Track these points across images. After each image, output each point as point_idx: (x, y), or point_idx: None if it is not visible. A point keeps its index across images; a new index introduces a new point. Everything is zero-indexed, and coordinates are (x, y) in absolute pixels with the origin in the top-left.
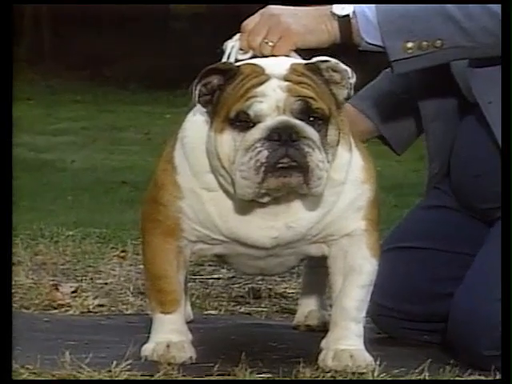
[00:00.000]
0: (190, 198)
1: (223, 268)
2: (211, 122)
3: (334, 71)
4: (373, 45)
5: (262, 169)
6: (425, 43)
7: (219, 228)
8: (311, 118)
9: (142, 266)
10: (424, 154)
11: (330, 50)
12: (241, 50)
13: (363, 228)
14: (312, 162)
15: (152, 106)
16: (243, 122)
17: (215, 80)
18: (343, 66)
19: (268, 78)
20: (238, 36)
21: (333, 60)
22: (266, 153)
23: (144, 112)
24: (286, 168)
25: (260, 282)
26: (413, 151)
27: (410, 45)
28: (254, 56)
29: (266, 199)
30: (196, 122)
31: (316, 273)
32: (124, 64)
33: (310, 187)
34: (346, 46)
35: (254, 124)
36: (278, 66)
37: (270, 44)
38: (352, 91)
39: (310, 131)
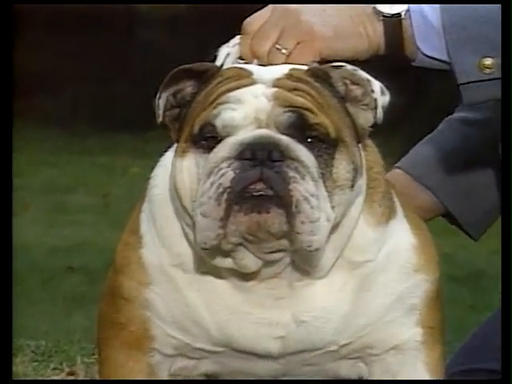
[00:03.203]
0: (159, 284)
1: None
2: (176, 145)
3: (353, 83)
4: (434, 59)
5: (225, 197)
6: None
7: (206, 327)
8: (309, 139)
9: None
10: None
11: (372, 64)
12: (241, 58)
13: (419, 339)
14: (297, 191)
15: (111, 157)
16: (209, 138)
17: (189, 87)
18: (364, 75)
19: (252, 82)
20: (236, 39)
21: (349, 66)
22: (231, 174)
23: (100, 165)
24: (259, 198)
25: None
26: (496, 226)
27: (488, 62)
28: None
29: (241, 255)
30: (169, 166)
31: None
32: (69, 92)
33: (297, 232)
34: (393, 60)
35: (222, 139)
36: (273, 71)
37: (284, 51)
38: (381, 115)
39: (302, 152)
